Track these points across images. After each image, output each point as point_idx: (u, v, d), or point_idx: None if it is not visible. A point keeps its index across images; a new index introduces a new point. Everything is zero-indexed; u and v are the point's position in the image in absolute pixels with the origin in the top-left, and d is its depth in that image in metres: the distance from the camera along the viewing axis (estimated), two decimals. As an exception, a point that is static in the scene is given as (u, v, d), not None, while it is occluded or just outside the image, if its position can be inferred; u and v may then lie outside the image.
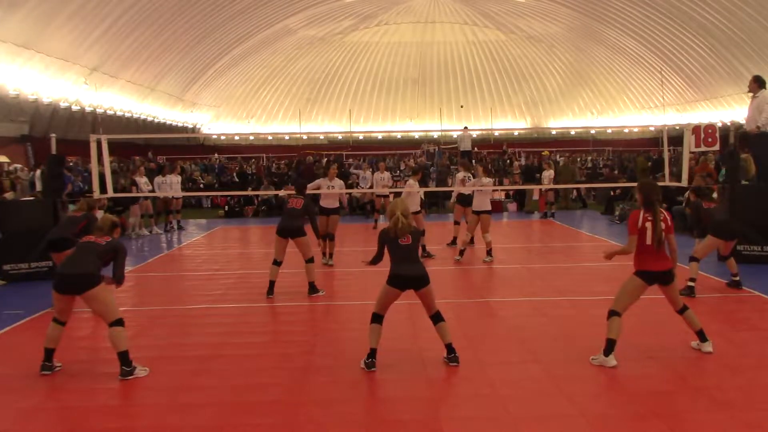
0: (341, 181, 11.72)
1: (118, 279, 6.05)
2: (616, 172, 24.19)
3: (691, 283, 8.18)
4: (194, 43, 33.18)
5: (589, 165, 30.89)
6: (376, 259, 6.23)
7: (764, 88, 10.46)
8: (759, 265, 9.88)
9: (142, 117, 36.19)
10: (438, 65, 51.16)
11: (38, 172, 16.65)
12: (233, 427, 4.69)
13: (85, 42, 25.44)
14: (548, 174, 19.16)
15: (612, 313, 5.77)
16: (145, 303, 8.84)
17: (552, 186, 18.71)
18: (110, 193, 11.52)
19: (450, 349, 5.92)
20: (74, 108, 28.15)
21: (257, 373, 5.78)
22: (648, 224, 5.83)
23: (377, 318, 5.95)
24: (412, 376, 5.67)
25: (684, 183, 11.06)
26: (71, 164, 21.86)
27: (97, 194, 11.46)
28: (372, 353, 5.81)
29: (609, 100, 49.74)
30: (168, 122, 40.57)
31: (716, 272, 9.60)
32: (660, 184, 14.13)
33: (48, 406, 5.15)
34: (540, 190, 19.12)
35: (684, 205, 14.24)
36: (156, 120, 38.39)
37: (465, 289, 9.28)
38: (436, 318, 6.00)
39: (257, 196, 20.39)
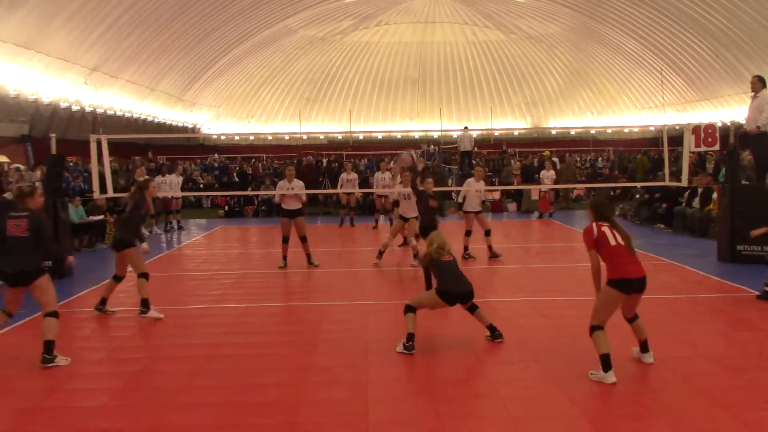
0: (301, 182, 11.58)
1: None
2: (616, 172, 24.19)
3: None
4: (194, 43, 33.17)
5: (588, 165, 30.89)
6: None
7: (766, 87, 10.45)
8: (759, 265, 9.86)
9: (142, 117, 36.17)
10: (438, 65, 51.14)
11: (38, 172, 16.65)
12: (233, 427, 4.69)
13: (85, 42, 25.43)
14: (549, 174, 19.14)
15: (593, 329, 5.50)
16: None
17: (552, 186, 18.70)
18: (110, 193, 11.52)
19: (492, 329, 6.53)
20: (74, 108, 28.14)
21: (257, 373, 5.78)
22: (604, 229, 5.64)
23: (411, 308, 6.40)
24: (412, 376, 5.67)
25: (684, 183, 11.05)
26: (70, 164, 21.85)
27: (97, 194, 11.48)
28: (410, 336, 6.26)
29: (609, 100, 49.72)
30: (168, 122, 40.56)
31: (716, 272, 9.60)
32: (660, 184, 14.22)
33: (48, 406, 5.15)
34: (539, 190, 19.09)
35: (684, 204, 14.25)
36: (156, 120, 38.37)
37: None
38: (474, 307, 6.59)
39: (257, 196, 20.40)
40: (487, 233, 11.39)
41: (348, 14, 42.54)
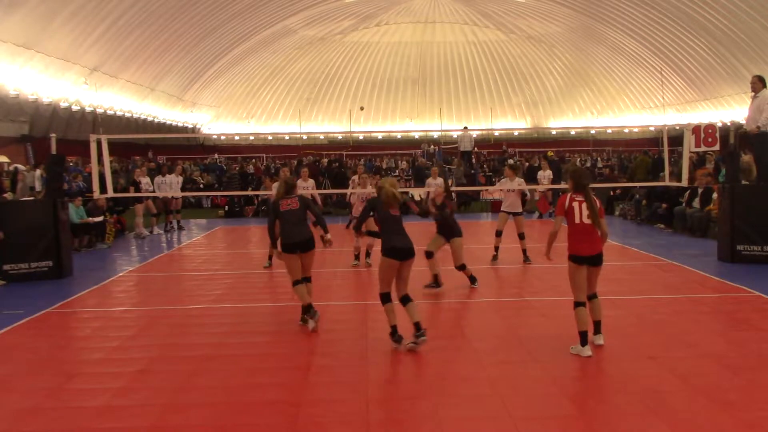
0: (312, 181, 11.64)
1: None
2: (616, 172, 24.18)
3: None
4: (194, 43, 33.18)
5: (589, 165, 30.89)
6: (358, 224, 6.75)
7: (766, 87, 10.45)
8: (759, 265, 9.88)
9: (142, 117, 36.18)
10: (438, 65, 51.16)
11: (37, 172, 16.64)
12: (233, 427, 4.68)
13: (85, 42, 25.44)
14: (546, 174, 19.13)
15: (577, 305, 6.02)
16: (145, 303, 8.83)
17: (552, 186, 18.67)
18: (110, 193, 11.52)
19: (418, 326, 6.22)
20: (74, 108, 28.14)
21: (257, 373, 5.77)
22: (575, 204, 6.04)
23: (386, 297, 6.27)
24: (412, 375, 5.67)
25: (684, 183, 11.05)
26: (71, 164, 21.86)
27: (97, 194, 11.48)
28: (394, 329, 6.24)
29: (609, 100, 49.73)
30: (168, 122, 40.57)
31: (716, 272, 9.60)
32: (660, 184, 14.22)
33: (48, 406, 5.14)
34: (537, 191, 19.07)
35: (684, 204, 14.25)
36: (156, 120, 38.39)
37: (465, 289, 9.27)
38: (407, 298, 6.34)
39: (257, 196, 20.40)
40: (521, 236, 10.98)
41: (348, 14, 42.55)
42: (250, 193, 20.57)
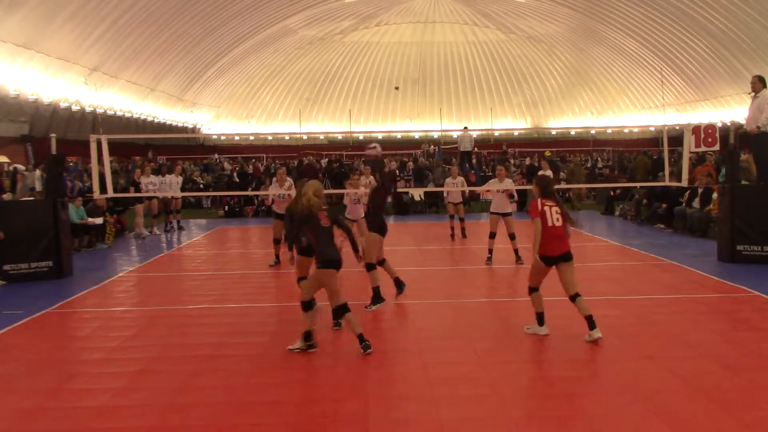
0: (290, 181, 11.46)
1: None
2: (616, 172, 24.18)
3: None
4: (194, 43, 33.18)
5: (589, 165, 30.89)
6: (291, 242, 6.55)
7: (766, 87, 10.45)
8: (759, 265, 9.87)
9: (142, 117, 36.19)
10: (438, 65, 51.16)
11: (37, 172, 16.64)
12: (233, 427, 4.68)
13: (85, 42, 25.44)
14: (547, 174, 19.13)
15: (531, 290, 6.63)
16: (145, 303, 8.83)
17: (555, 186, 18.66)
18: (110, 193, 11.52)
19: (361, 338, 6.10)
20: (74, 108, 28.15)
21: (257, 373, 5.77)
22: (546, 208, 6.43)
23: (309, 304, 6.16)
24: (412, 376, 5.67)
25: (684, 183, 11.04)
26: (71, 164, 21.86)
27: (97, 194, 11.47)
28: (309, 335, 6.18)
29: (609, 100, 49.74)
30: (168, 122, 40.57)
31: (716, 272, 9.60)
32: (660, 184, 14.20)
33: (48, 406, 5.14)
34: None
35: (684, 204, 14.25)
36: (156, 120, 38.39)
37: (465, 289, 9.28)
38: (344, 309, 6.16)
39: (257, 196, 20.39)
40: (511, 237, 10.92)
41: (348, 14, 42.55)
42: (250, 193, 20.57)
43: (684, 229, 13.88)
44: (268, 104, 51.77)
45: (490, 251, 10.98)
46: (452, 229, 14.08)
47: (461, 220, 13.96)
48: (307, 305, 6.18)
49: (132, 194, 15.95)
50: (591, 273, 10.21)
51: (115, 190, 13.51)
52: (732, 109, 35.12)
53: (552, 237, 6.42)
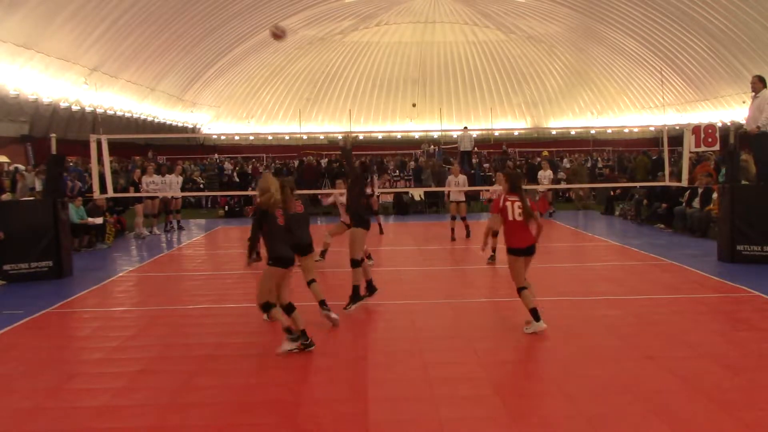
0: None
1: None
2: (616, 172, 24.17)
3: None
4: (194, 43, 33.19)
5: (589, 165, 30.87)
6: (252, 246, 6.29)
7: (766, 87, 10.44)
8: (759, 265, 9.87)
9: (142, 117, 36.20)
10: (438, 65, 51.17)
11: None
12: (233, 427, 4.68)
13: (85, 42, 25.45)
14: (546, 174, 19.12)
15: (520, 290, 6.72)
16: (145, 303, 8.83)
17: (552, 186, 18.67)
18: (110, 193, 11.52)
19: (304, 333, 6.16)
20: (74, 108, 28.16)
21: (257, 373, 5.77)
22: (508, 204, 6.68)
23: (268, 306, 6.12)
24: (412, 376, 5.67)
25: (684, 183, 11.04)
26: (71, 164, 21.86)
27: (97, 194, 11.47)
28: (290, 330, 6.14)
29: (609, 100, 49.75)
30: (168, 122, 40.58)
31: (716, 272, 9.60)
32: (660, 184, 14.20)
33: (48, 406, 5.14)
34: (536, 191, 19.06)
35: (684, 204, 14.25)
36: (156, 120, 38.40)
37: (465, 289, 9.28)
38: (292, 307, 6.26)
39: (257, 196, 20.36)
40: (495, 234, 11.11)
41: (348, 14, 42.56)
42: (250, 193, 20.55)
43: (684, 229, 13.88)
44: (268, 104, 51.77)
45: (494, 249, 10.94)
46: (453, 230, 13.86)
47: (463, 219, 13.76)
48: (266, 306, 6.13)
49: (132, 194, 15.95)
50: (591, 273, 10.22)
51: (115, 190, 13.51)
52: (732, 109, 35.13)
53: (515, 230, 6.71)
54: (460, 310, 7.83)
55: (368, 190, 8.97)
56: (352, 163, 8.53)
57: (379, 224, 15.01)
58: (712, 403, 4.88)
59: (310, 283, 7.25)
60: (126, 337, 6.98)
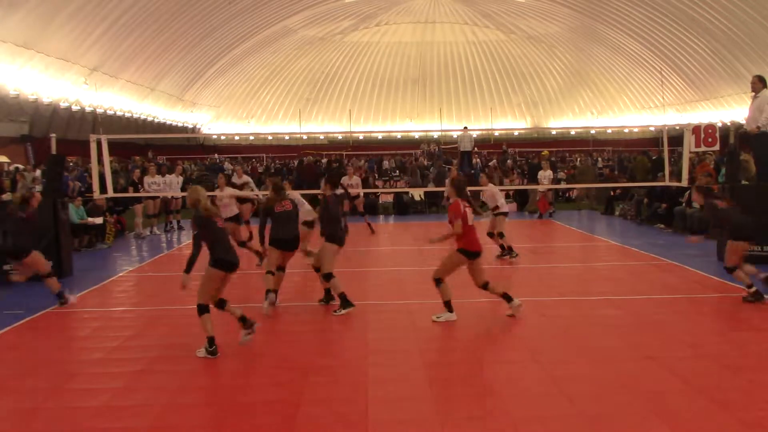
0: (248, 177, 11.65)
1: None
2: (616, 172, 24.17)
3: (752, 289, 7.63)
4: (194, 43, 33.20)
5: (588, 165, 30.85)
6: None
7: (766, 87, 10.43)
8: (759, 266, 9.84)
9: (142, 117, 36.21)
10: (438, 65, 51.19)
11: (38, 172, 16.64)
12: (233, 427, 4.68)
13: (85, 42, 25.46)
14: (547, 174, 19.12)
15: (438, 282, 7.13)
16: (145, 303, 8.83)
17: (552, 186, 18.67)
18: (110, 193, 11.51)
19: (244, 319, 6.38)
20: (74, 108, 28.16)
21: (257, 373, 5.77)
22: (468, 210, 7.05)
23: (205, 308, 6.24)
24: (412, 376, 5.67)
25: (684, 183, 11.04)
26: (71, 164, 21.86)
27: (97, 194, 11.47)
28: (212, 340, 6.16)
29: (609, 100, 49.76)
30: (168, 122, 40.59)
31: (716, 272, 9.59)
32: (660, 184, 14.22)
33: (48, 406, 5.14)
34: (537, 191, 19.07)
35: (684, 204, 14.25)
36: (156, 120, 38.41)
37: (465, 289, 9.27)
38: (223, 302, 6.45)
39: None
40: (500, 235, 11.26)
41: (348, 14, 42.57)
42: (250, 193, 20.52)
43: (684, 229, 13.87)
44: (268, 104, 51.79)
45: (501, 247, 11.23)
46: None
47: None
48: (202, 309, 6.24)
49: (132, 194, 15.94)
50: (591, 273, 10.22)
51: (115, 190, 13.51)
52: (732, 109, 35.13)
53: (473, 234, 7.08)
54: (460, 310, 7.82)
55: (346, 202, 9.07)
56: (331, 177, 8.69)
57: (369, 224, 15.34)
58: (712, 403, 4.87)
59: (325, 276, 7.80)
60: (126, 337, 6.97)
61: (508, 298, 7.19)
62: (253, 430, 4.66)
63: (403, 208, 20.17)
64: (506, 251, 11.17)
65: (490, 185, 11.84)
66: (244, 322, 6.34)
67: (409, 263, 11.34)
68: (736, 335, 6.62)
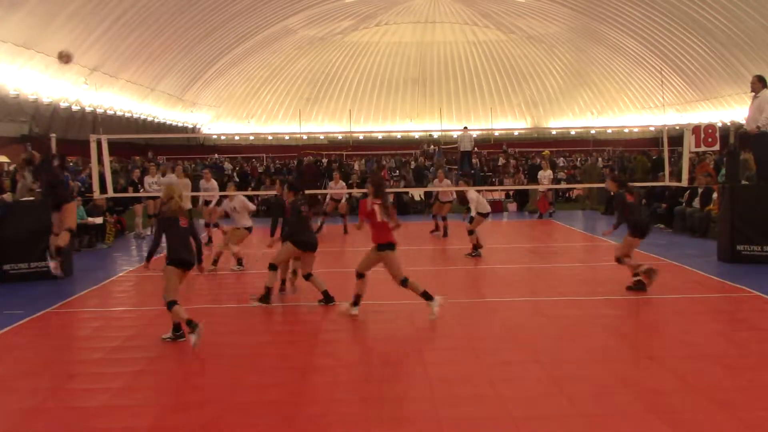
0: (215, 182, 11.93)
1: None
2: (616, 172, 24.17)
3: (637, 278, 8.32)
4: (194, 43, 33.19)
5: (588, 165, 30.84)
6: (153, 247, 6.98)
7: (767, 87, 10.44)
8: (759, 265, 9.87)
9: (142, 117, 36.20)
10: (438, 65, 51.18)
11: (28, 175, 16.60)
12: (233, 426, 4.68)
13: (85, 42, 25.45)
14: (547, 174, 19.13)
15: (359, 275, 7.49)
16: (145, 303, 8.82)
17: (552, 186, 18.67)
18: (110, 193, 11.51)
19: (190, 322, 6.34)
20: (74, 108, 28.16)
21: (257, 373, 5.77)
22: (375, 207, 7.37)
23: (174, 302, 6.47)
24: (412, 376, 5.67)
25: (684, 183, 11.04)
26: (71, 164, 21.86)
27: (97, 194, 11.47)
28: (191, 322, 6.31)
29: (609, 100, 49.75)
30: (168, 122, 40.59)
31: (716, 272, 9.60)
32: (660, 184, 14.22)
33: (48, 406, 5.14)
34: (537, 191, 19.08)
35: (684, 204, 14.25)
36: (156, 120, 38.40)
37: (465, 289, 9.28)
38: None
39: (257, 196, 20.37)
40: (470, 232, 11.70)
41: (348, 14, 42.56)
42: (250, 193, 20.54)
43: (684, 229, 13.88)
44: (268, 104, 51.78)
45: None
46: (437, 225, 14.77)
47: (444, 219, 14.49)
48: (171, 304, 6.46)
49: (132, 194, 15.94)
50: (591, 273, 10.22)
51: (115, 190, 13.51)
52: (732, 109, 35.13)
53: (380, 230, 7.42)
54: (461, 310, 7.83)
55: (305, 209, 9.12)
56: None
57: (345, 225, 15.60)
58: (712, 403, 4.88)
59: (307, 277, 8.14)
60: (126, 337, 6.97)
61: (427, 297, 7.31)
62: (253, 430, 4.66)
63: (403, 207, 20.17)
64: (475, 250, 11.52)
65: (471, 191, 12.05)
66: (190, 324, 6.38)
67: (408, 263, 11.32)
68: (736, 335, 6.62)
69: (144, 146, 37.20)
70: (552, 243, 13.84)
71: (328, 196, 16.47)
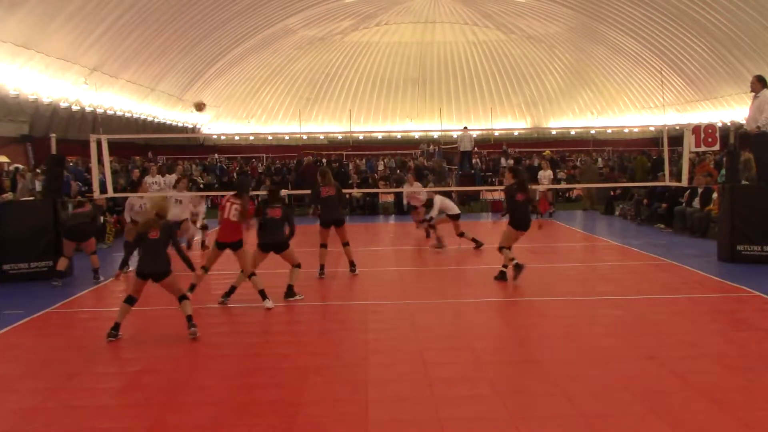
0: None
1: None
2: (616, 172, 24.18)
3: (504, 269, 9.26)
4: (194, 43, 33.18)
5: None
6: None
7: (766, 87, 10.44)
8: (759, 265, 9.87)
9: (142, 117, 36.18)
10: (438, 65, 51.15)
11: (37, 171, 16.63)
12: (232, 427, 4.68)
13: (85, 42, 25.44)
14: (547, 174, 19.13)
15: (252, 275, 8.04)
16: (145, 303, 8.79)
17: (552, 186, 18.68)
18: (110, 193, 11.51)
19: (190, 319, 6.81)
20: (74, 108, 28.14)
21: (257, 373, 5.77)
22: (228, 204, 7.95)
23: (132, 300, 6.88)
24: (412, 376, 5.67)
25: (684, 183, 11.04)
26: (71, 164, 21.84)
27: (97, 194, 11.47)
28: (117, 326, 6.77)
29: (609, 100, 49.73)
30: (168, 122, 40.57)
31: (716, 272, 9.60)
32: (660, 184, 14.22)
33: (48, 406, 5.14)
34: (537, 191, 19.07)
35: (684, 204, 14.25)
36: (156, 120, 38.39)
37: (465, 289, 9.28)
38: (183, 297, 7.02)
39: (257, 196, 20.33)
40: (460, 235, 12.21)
41: (348, 14, 42.54)
42: (250, 193, 20.50)
43: (684, 229, 13.88)
44: (268, 104, 51.75)
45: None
46: (427, 232, 14.58)
47: (422, 222, 14.50)
48: (129, 300, 6.88)
49: (132, 194, 15.92)
50: (591, 273, 10.22)
51: (115, 190, 13.50)
52: (732, 109, 35.11)
53: (227, 227, 7.98)
54: (460, 310, 7.83)
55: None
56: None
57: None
58: (712, 403, 4.88)
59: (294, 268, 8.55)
60: (126, 337, 6.97)
61: (262, 295, 7.88)
62: (253, 430, 4.66)
63: (403, 207, 20.15)
64: (438, 243, 12.26)
65: (437, 197, 12.39)
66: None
67: (408, 263, 11.35)
68: (736, 335, 6.62)
69: (144, 146, 37.21)
70: (552, 243, 13.84)
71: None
